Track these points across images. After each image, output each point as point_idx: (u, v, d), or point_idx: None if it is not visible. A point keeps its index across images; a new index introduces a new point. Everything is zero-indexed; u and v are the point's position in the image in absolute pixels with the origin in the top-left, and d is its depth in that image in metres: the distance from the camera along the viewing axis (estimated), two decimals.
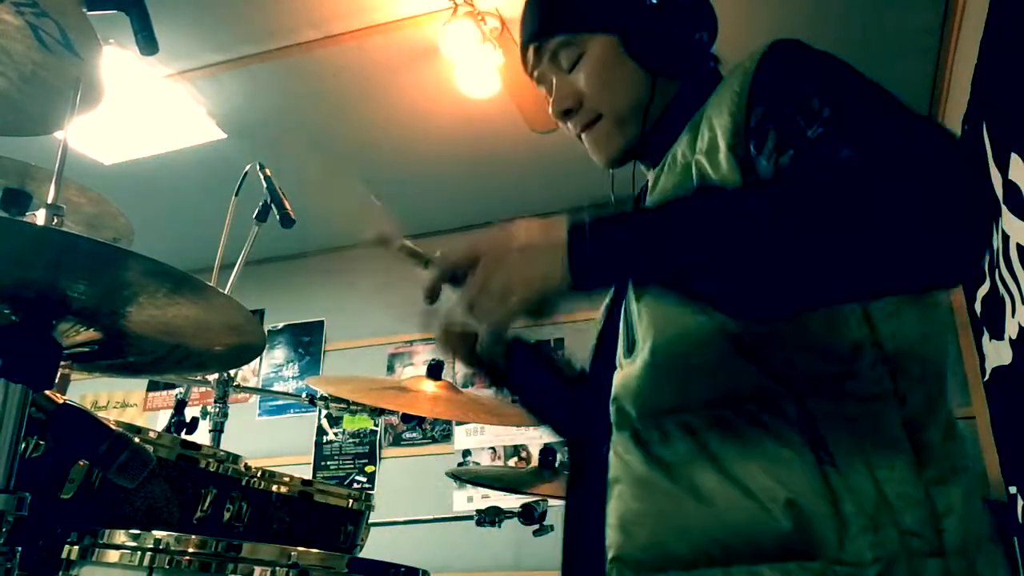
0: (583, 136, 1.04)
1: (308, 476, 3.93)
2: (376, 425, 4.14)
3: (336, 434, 4.22)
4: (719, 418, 0.78)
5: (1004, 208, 2.17)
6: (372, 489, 4.01)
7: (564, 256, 0.73)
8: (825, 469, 0.74)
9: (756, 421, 0.77)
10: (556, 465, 2.17)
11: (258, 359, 4.58)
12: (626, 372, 0.86)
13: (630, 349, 0.87)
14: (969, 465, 0.80)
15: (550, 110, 1.05)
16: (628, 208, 0.78)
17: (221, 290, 0.96)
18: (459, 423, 3.95)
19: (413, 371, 4.18)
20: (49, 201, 1.05)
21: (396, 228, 0.86)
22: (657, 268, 0.72)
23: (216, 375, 2.03)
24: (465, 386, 4.02)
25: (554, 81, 1.04)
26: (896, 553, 0.71)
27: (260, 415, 4.39)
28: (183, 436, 1.81)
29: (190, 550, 1.08)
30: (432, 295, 0.81)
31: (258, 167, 2.15)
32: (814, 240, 0.68)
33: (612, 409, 0.86)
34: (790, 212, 0.69)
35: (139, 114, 3.40)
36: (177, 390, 2.22)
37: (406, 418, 3.95)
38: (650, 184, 0.96)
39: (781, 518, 0.72)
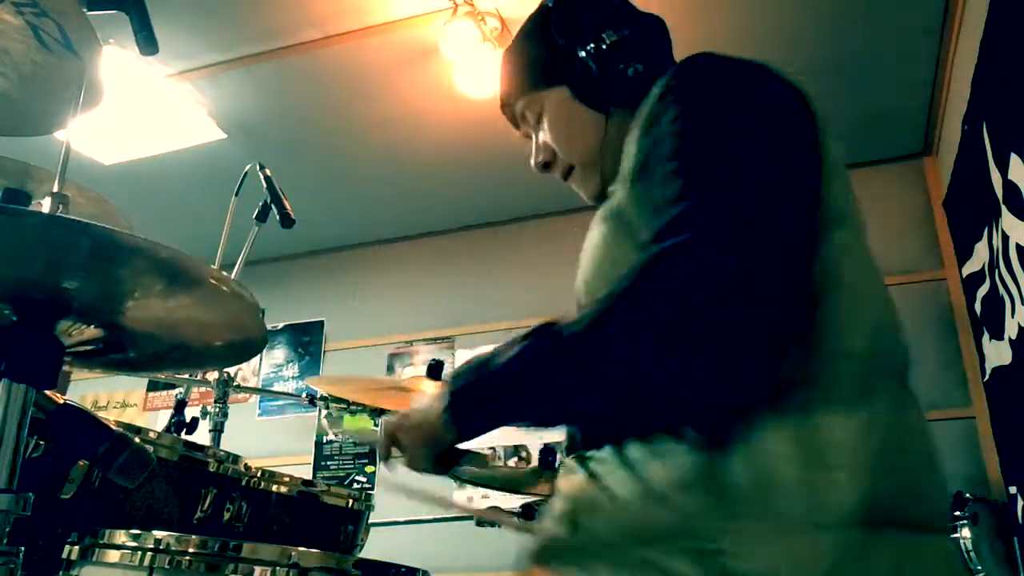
0: (566, 182, 1.13)
1: (308, 476, 3.93)
2: (376, 425, 4.14)
3: (336, 434, 4.22)
4: (642, 435, 0.84)
5: (1004, 208, 2.17)
6: (372, 489, 4.00)
7: (444, 425, 0.90)
8: (710, 456, 0.77)
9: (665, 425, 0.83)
10: (556, 465, 2.17)
11: (258, 359, 4.57)
12: None
13: None
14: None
15: (532, 165, 1.14)
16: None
17: (219, 278, 0.96)
18: None
19: (413, 371, 4.18)
20: (54, 190, 1.04)
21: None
22: (509, 417, 0.90)
23: (216, 375, 2.03)
24: None
25: (532, 138, 1.14)
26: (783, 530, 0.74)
27: (260, 415, 4.39)
28: (183, 436, 1.81)
29: (190, 550, 1.08)
30: (386, 456, 1.01)
31: (258, 167, 2.15)
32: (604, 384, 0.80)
33: (567, 432, 0.99)
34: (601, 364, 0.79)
35: (139, 114, 3.40)
36: (177, 390, 2.22)
37: None
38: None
39: (663, 506, 0.78)
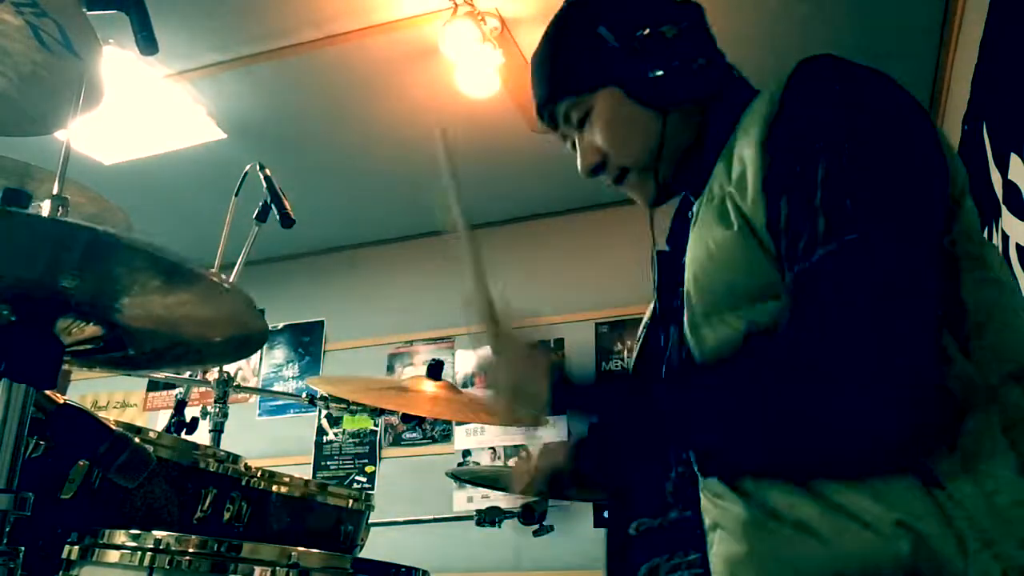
0: (618, 186, 1.06)
1: (308, 476, 3.93)
2: (376, 425, 4.14)
3: (336, 434, 4.22)
4: None
5: (1004, 208, 2.17)
6: (372, 489, 4.00)
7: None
8: (930, 490, 0.71)
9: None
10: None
11: (258, 359, 4.57)
12: None
13: None
14: None
15: (579, 168, 1.06)
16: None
17: (217, 278, 0.95)
18: (459, 423, 3.95)
19: (413, 371, 4.18)
20: (54, 193, 1.04)
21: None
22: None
23: (216, 375, 2.03)
24: (465, 386, 4.02)
25: (576, 141, 1.06)
26: (1022, 566, 0.69)
27: (260, 415, 4.39)
28: (183, 436, 1.81)
29: (190, 550, 1.08)
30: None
31: (258, 167, 2.15)
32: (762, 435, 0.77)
33: (693, 455, 0.87)
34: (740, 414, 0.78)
35: (139, 114, 3.40)
36: (177, 390, 2.22)
37: (406, 418, 3.96)
38: (694, 213, 0.95)
39: (897, 541, 0.70)
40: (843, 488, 0.74)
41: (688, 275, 0.90)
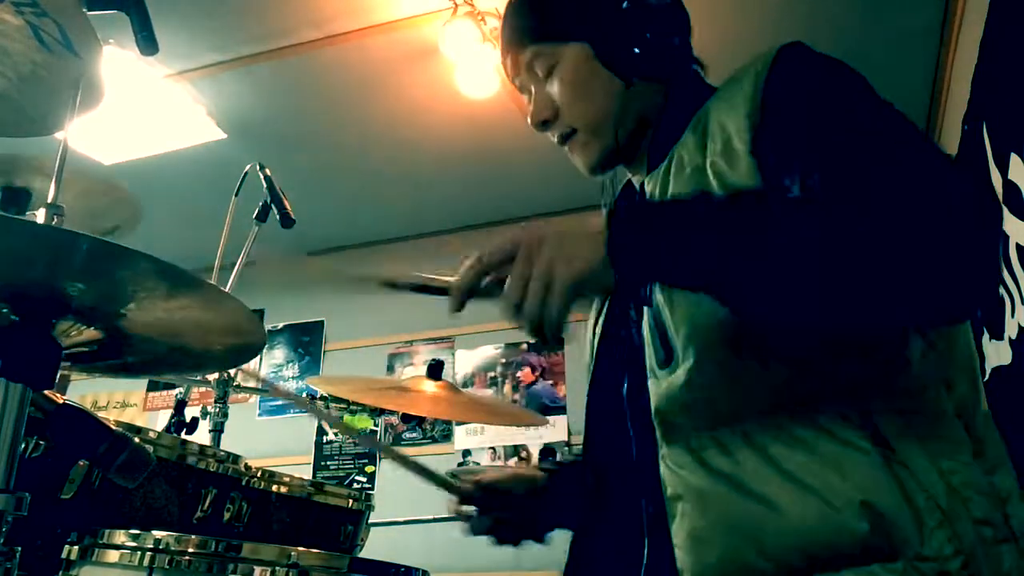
0: (563, 145, 1.06)
1: (308, 476, 3.93)
2: (376, 425, 4.14)
3: (336, 434, 4.22)
4: (776, 424, 0.77)
5: (1004, 208, 2.17)
6: (372, 489, 4.00)
7: (604, 239, 0.74)
8: (893, 466, 0.73)
9: (814, 424, 0.76)
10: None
11: (258, 359, 4.57)
12: (668, 383, 0.83)
13: (668, 359, 0.85)
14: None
15: (528, 120, 1.06)
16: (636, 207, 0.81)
17: (221, 287, 0.96)
18: (459, 423, 3.95)
19: (413, 371, 4.18)
20: (49, 200, 1.04)
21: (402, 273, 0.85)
22: (691, 265, 0.73)
23: (216, 375, 2.03)
24: (465, 386, 4.02)
25: (532, 91, 1.05)
26: (973, 544, 0.70)
27: (260, 415, 4.39)
28: (183, 436, 1.81)
29: (190, 550, 1.08)
30: (461, 299, 0.83)
31: (258, 167, 2.15)
32: (838, 265, 0.71)
33: (656, 422, 0.84)
34: (826, 238, 0.71)
35: (139, 114, 3.40)
36: (177, 390, 2.22)
37: (406, 418, 3.96)
38: (648, 187, 0.95)
39: (857, 520, 0.71)
40: (806, 462, 0.74)
41: None
